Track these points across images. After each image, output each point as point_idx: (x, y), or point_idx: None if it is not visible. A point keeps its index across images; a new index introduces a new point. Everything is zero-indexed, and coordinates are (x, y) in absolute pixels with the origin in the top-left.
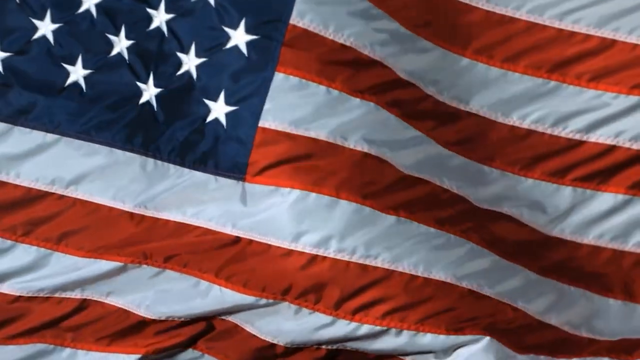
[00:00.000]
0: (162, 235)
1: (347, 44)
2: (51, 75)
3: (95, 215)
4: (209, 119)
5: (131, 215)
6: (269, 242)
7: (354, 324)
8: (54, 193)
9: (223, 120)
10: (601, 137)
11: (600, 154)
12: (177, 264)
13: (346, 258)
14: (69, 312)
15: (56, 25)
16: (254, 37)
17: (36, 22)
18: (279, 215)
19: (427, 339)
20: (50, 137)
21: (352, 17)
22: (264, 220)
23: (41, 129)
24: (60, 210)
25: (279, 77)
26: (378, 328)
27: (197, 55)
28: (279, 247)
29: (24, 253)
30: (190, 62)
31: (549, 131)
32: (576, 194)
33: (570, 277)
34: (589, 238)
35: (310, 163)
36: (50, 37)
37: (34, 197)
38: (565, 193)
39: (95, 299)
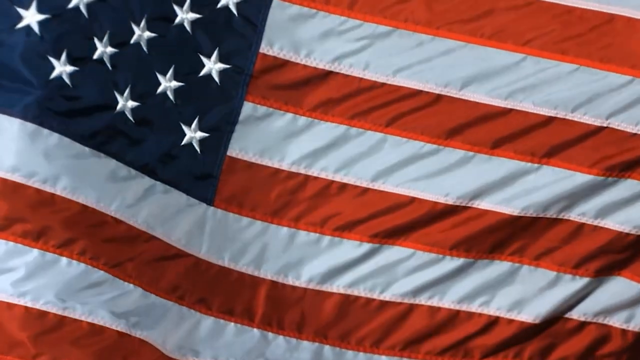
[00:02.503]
0: None
1: (321, 66)
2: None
3: None
4: (184, 142)
5: None
6: None
7: None
8: None
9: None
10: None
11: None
12: None
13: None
14: None
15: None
16: (226, 66)
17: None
18: None
19: None
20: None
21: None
22: None
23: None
24: None
25: (248, 107)
26: None
27: (176, 78)
28: None
29: None
30: (168, 84)
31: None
32: None
33: None
34: None
35: None
36: (36, 28)
37: None
38: None
39: None
